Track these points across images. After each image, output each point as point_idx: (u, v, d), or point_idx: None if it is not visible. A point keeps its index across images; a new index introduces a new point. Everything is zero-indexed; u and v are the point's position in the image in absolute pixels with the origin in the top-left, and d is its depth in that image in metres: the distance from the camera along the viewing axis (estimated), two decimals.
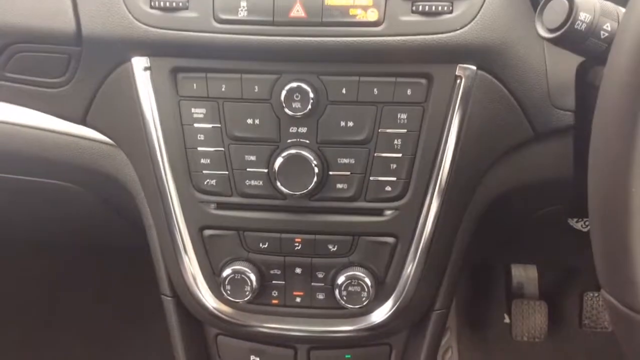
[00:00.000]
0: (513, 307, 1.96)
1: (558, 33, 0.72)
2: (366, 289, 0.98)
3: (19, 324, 1.97)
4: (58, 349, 1.98)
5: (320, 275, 1.01)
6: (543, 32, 0.75)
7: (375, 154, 0.94)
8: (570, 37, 0.72)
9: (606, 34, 0.71)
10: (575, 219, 1.29)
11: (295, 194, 0.94)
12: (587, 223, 1.25)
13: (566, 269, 2.08)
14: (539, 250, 1.64)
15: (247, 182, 0.96)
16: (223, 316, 1.06)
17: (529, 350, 2.02)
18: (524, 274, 2.01)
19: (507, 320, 2.05)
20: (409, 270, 1.00)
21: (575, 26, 0.71)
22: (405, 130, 0.92)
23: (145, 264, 1.17)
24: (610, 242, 0.62)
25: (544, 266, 2.03)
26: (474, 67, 0.90)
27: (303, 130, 0.93)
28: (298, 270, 1.01)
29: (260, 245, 1.00)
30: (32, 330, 1.98)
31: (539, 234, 1.36)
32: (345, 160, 0.94)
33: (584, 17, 0.71)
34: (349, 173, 0.95)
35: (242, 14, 0.88)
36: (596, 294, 1.94)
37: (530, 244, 1.51)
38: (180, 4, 0.89)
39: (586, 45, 0.73)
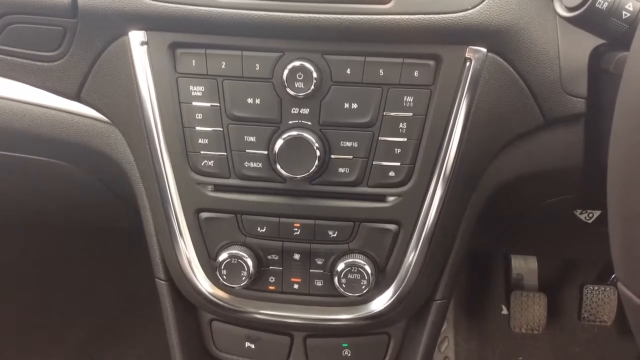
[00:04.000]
0: (512, 299, 1.95)
1: (578, 12, 0.70)
2: (366, 277, 0.96)
3: (12, 305, 1.96)
4: (51, 331, 1.97)
5: (319, 261, 0.99)
6: (562, 11, 0.72)
7: (380, 138, 0.91)
8: (590, 17, 0.69)
9: (628, 15, 0.68)
10: (579, 210, 1.27)
11: (295, 177, 0.91)
12: (590, 214, 1.22)
13: (566, 261, 2.07)
14: (540, 242, 1.62)
15: (246, 164, 0.93)
16: (218, 301, 1.04)
17: (526, 342, 2.01)
18: (524, 265, 2.00)
19: (504, 311, 2.04)
20: (410, 258, 0.98)
21: (597, 5, 0.68)
22: (411, 114, 0.90)
23: (139, 245, 1.14)
24: (630, 235, 0.59)
25: (544, 258, 2.02)
26: (484, 50, 0.87)
27: (305, 111, 0.90)
28: (296, 256, 0.99)
29: (258, 229, 0.97)
30: (25, 312, 1.97)
31: (541, 224, 1.34)
32: (348, 144, 0.91)
33: None
34: (351, 157, 0.92)
35: None
36: (596, 287, 1.93)
37: (530, 234, 1.49)
38: None
39: (606, 26, 0.70)
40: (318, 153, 0.90)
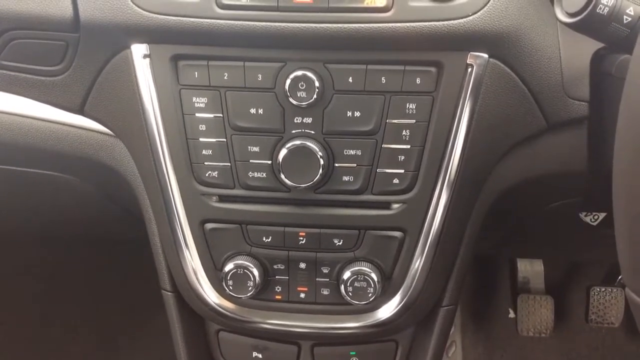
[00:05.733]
0: (519, 302, 1.94)
1: (579, 17, 0.69)
2: (372, 285, 0.96)
3: (17, 317, 1.95)
4: (57, 343, 1.97)
5: (325, 270, 0.99)
6: (562, 17, 0.72)
7: (383, 145, 0.91)
8: (591, 22, 0.69)
9: (629, 19, 0.68)
10: (584, 212, 1.26)
11: (299, 187, 0.91)
12: (596, 217, 1.22)
13: (573, 263, 2.06)
14: (545, 244, 1.62)
15: (250, 174, 0.93)
16: (225, 312, 1.04)
17: (534, 346, 2.00)
18: (530, 269, 2.00)
19: (511, 315, 2.03)
20: (416, 265, 0.97)
21: (597, 10, 0.68)
22: (414, 121, 0.89)
23: (145, 257, 1.14)
24: (637, 241, 0.59)
25: (550, 260, 2.01)
26: (486, 55, 0.87)
27: (308, 120, 0.90)
28: (302, 265, 0.99)
29: (264, 239, 0.97)
30: (30, 325, 1.96)
31: (546, 227, 1.33)
32: (352, 152, 0.91)
33: (606, 0, 0.67)
34: (355, 165, 0.92)
35: None
36: (603, 289, 1.92)
37: (536, 237, 1.49)
38: None
39: (608, 31, 0.70)
40: (322, 162, 0.90)
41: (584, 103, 0.90)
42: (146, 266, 1.17)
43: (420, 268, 0.97)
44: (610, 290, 1.91)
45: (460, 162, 0.91)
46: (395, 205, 0.94)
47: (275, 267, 0.99)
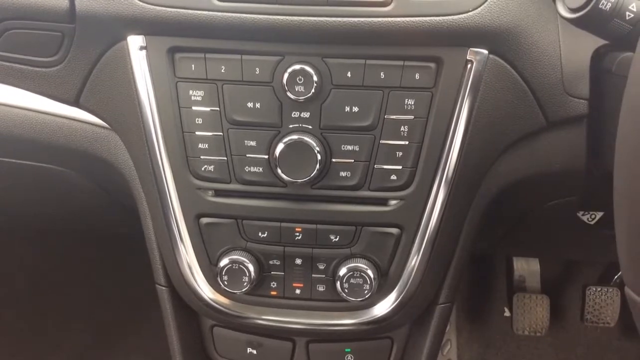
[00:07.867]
0: (515, 301, 1.94)
1: (581, 13, 0.69)
2: (368, 282, 0.95)
3: (13, 312, 1.95)
4: (52, 337, 1.96)
5: (321, 266, 0.98)
6: (564, 12, 0.71)
7: (381, 141, 0.90)
8: (593, 18, 0.69)
9: (631, 15, 0.68)
10: (582, 212, 1.26)
11: (296, 182, 0.90)
12: (593, 216, 1.21)
13: (569, 263, 2.06)
14: (542, 243, 1.62)
15: (247, 169, 0.93)
16: (219, 307, 1.03)
17: (529, 344, 2.00)
18: (526, 267, 1.99)
19: (507, 313, 2.03)
20: (413, 262, 0.97)
21: (600, 6, 0.67)
22: (413, 117, 0.89)
23: (139, 251, 1.14)
24: (638, 240, 0.58)
25: (546, 259, 2.01)
26: (486, 52, 0.86)
27: (306, 115, 0.89)
28: (298, 261, 0.98)
29: (259, 234, 0.97)
30: (26, 319, 1.96)
31: (543, 226, 1.33)
32: (349, 147, 0.91)
33: None
34: (352, 160, 0.91)
35: None
36: (599, 289, 1.92)
37: (532, 236, 1.49)
38: None
39: (609, 27, 0.69)
40: (319, 157, 0.89)
41: (583, 101, 0.89)
42: (143, 261, 1.17)
43: (416, 265, 0.97)
44: (606, 290, 1.91)
45: (458, 159, 0.91)
46: (393, 202, 0.94)
47: (270, 262, 0.99)
